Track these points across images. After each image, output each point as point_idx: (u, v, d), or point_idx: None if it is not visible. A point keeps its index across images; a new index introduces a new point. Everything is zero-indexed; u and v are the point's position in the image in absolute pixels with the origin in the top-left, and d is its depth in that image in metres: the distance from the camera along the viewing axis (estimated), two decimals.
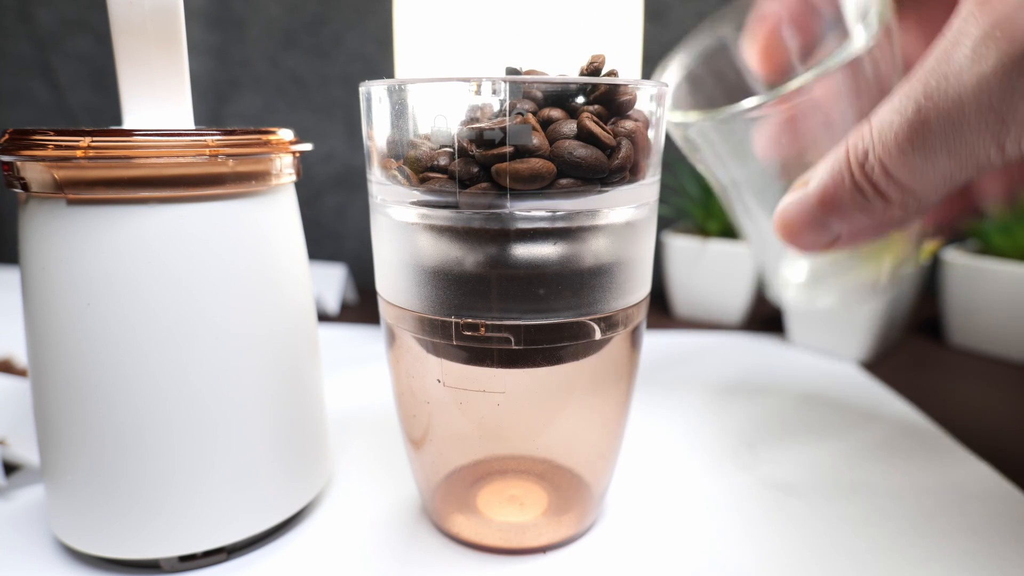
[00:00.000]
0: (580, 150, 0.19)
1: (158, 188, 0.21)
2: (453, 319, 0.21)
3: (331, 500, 0.29)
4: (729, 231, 0.57)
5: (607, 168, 0.19)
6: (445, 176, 0.19)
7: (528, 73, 0.20)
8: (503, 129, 0.18)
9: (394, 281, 0.22)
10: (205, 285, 0.22)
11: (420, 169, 0.20)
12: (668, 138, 0.26)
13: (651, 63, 0.35)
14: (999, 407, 0.42)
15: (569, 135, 0.19)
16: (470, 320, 0.20)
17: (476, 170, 0.19)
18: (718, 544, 0.26)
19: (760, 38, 0.25)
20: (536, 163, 0.19)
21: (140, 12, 0.22)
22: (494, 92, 0.19)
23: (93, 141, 0.20)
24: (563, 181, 0.19)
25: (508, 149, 0.18)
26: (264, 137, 0.24)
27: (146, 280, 0.21)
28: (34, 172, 0.21)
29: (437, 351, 0.22)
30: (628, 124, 0.20)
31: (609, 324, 0.22)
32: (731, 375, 0.45)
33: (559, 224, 0.20)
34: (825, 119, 0.24)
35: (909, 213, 0.21)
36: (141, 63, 0.23)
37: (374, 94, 0.21)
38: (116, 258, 0.21)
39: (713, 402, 0.40)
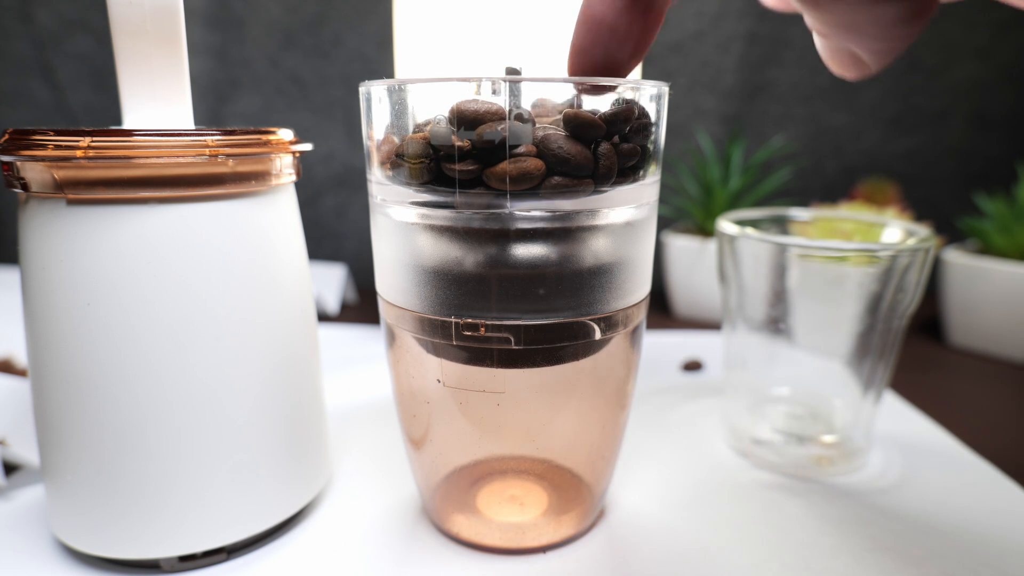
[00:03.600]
0: (567, 145, 0.19)
1: (158, 188, 0.21)
2: (453, 319, 0.21)
3: (331, 500, 0.29)
4: None
5: (592, 164, 0.19)
6: (444, 177, 0.19)
7: (511, 73, 0.20)
8: (503, 129, 0.18)
9: (394, 281, 0.22)
10: (205, 285, 0.22)
11: (418, 170, 0.20)
12: (668, 138, 0.27)
13: (651, 63, 0.35)
14: (999, 407, 0.42)
15: (556, 130, 0.19)
16: (470, 320, 0.20)
17: (472, 170, 0.19)
18: (718, 544, 0.26)
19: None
20: (526, 163, 0.19)
21: (140, 12, 0.22)
22: (494, 92, 0.19)
23: (93, 141, 0.20)
24: (555, 179, 0.19)
25: (505, 150, 0.18)
26: (264, 137, 0.24)
27: (146, 280, 0.21)
28: (34, 172, 0.21)
29: (437, 351, 0.22)
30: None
31: (609, 324, 0.22)
32: None
33: (559, 224, 0.20)
34: None
35: None
36: (141, 63, 0.23)
37: (374, 94, 0.21)
38: (116, 258, 0.21)
39: (712, 402, 0.40)
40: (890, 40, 0.16)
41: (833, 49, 0.17)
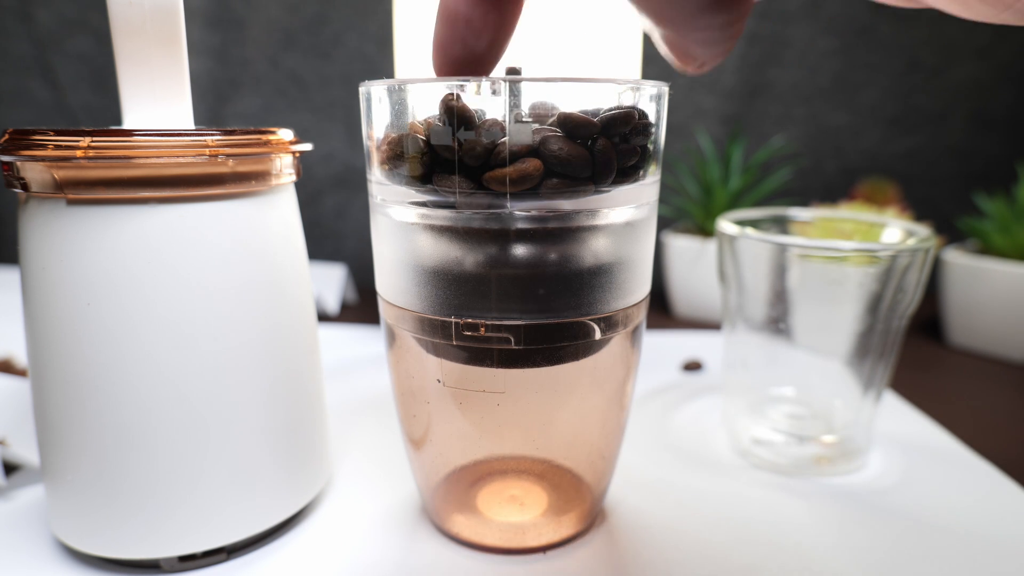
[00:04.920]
0: (566, 146, 0.19)
1: (158, 188, 0.21)
2: (453, 319, 0.21)
3: (331, 500, 0.29)
4: None
5: (590, 165, 0.19)
6: (444, 177, 0.19)
7: (511, 73, 0.20)
8: (503, 129, 0.18)
9: (394, 281, 0.22)
10: (205, 285, 0.22)
11: (417, 169, 0.20)
12: (668, 138, 0.27)
13: (651, 63, 0.35)
14: (999, 407, 0.42)
15: (554, 131, 0.19)
16: (470, 320, 0.20)
17: (472, 171, 0.19)
18: (718, 544, 0.26)
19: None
20: (525, 164, 0.18)
21: (140, 12, 0.22)
22: (494, 92, 0.19)
23: (93, 141, 0.20)
24: (554, 180, 0.19)
25: (506, 152, 0.18)
26: (264, 137, 0.24)
27: (146, 280, 0.21)
28: (34, 172, 0.21)
29: (437, 351, 0.22)
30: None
31: (609, 324, 0.22)
32: None
33: (559, 224, 0.20)
34: None
35: None
36: (141, 63, 0.23)
37: (374, 94, 0.21)
38: (116, 258, 0.21)
39: (712, 402, 0.40)
40: (705, 30, 0.16)
41: (664, 40, 0.17)
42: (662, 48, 0.18)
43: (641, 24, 0.17)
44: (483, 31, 0.17)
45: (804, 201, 0.61)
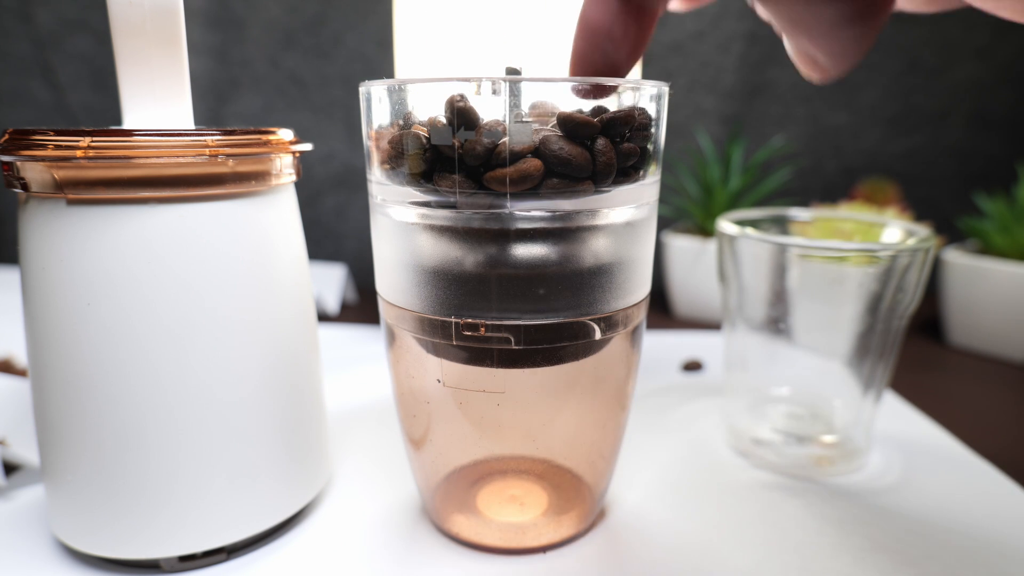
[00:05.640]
0: (566, 146, 0.19)
1: (158, 188, 0.21)
2: (453, 319, 0.21)
3: (331, 500, 0.29)
4: None
5: (591, 165, 0.19)
6: (444, 177, 0.19)
7: (511, 73, 0.20)
8: (503, 129, 0.18)
9: (394, 281, 0.22)
10: (205, 285, 0.22)
11: (417, 168, 0.20)
12: (668, 138, 0.27)
13: (651, 63, 0.35)
14: (999, 407, 0.42)
15: (554, 131, 0.19)
16: (470, 320, 0.20)
17: (472, 170, 0.19)
18: (718, 544, 0.26)
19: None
20: (525, 164, 0.18)
21: (140, 12, 0.22)
22: (494, 92, 0.19)
23: (93, 141, 0.20)
24: (554, 180, 0.19)
25: (505, 153, 0.18)
26: (264, 137, 0.24)
27: (146, 280, 0.21)
28: (34, 172, 0.21)
29: (437, 351, 0.22)
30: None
31: (609, 324, 0.22)
32: None
33: (559, 224, 0.20)
34: None
35: None
36: (141, 63, 0.23)
37: (374, 94, 0.21)
38: (116, 258, 0.21)
39: (712, 402, 0.40)
40: (839, 41, 0.16)
41: (794, 49, 0.18)
42: (792, 54, 0.18)
43: (777, 29, 0.17)
44: (623, 42, 0.17)
45: (804, 201, 0.61)
